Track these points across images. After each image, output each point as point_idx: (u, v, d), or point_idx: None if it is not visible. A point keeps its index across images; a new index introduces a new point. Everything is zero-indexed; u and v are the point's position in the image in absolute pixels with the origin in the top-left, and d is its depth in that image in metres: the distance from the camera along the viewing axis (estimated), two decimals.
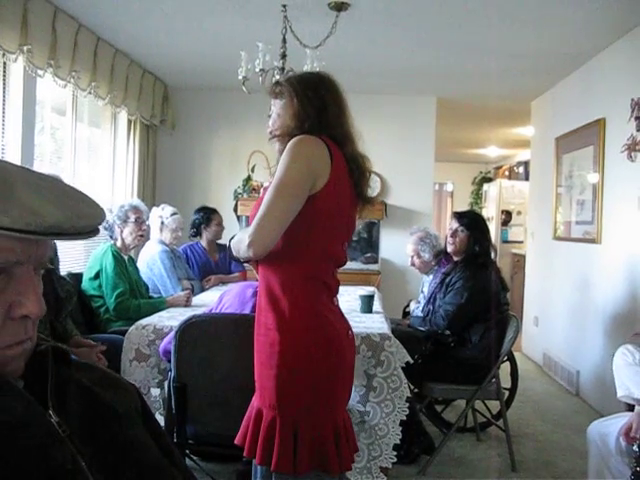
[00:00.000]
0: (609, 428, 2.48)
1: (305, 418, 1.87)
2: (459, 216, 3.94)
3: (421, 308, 4.16)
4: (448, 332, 3.70)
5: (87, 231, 0.79)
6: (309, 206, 1.83)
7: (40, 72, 3.93)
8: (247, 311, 2.56)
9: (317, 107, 1.93)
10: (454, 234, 3.85)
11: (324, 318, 1.91)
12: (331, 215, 1.89)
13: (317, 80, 2.00)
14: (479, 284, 3.67)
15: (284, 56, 3.97)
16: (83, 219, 0.78)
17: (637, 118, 4.11)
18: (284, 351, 1.87)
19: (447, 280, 3.82)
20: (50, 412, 0.79)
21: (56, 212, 0.74)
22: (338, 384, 1.95)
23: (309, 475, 1.87)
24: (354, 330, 2.84)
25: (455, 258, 3.92)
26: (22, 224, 0.70)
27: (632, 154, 4.17)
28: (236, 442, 1.98)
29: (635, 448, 2.22)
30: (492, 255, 3.84)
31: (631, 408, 2.53)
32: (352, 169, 1.94)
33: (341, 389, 1.97)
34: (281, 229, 1.80)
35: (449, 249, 3.93)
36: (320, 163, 1.84)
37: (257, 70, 3.90)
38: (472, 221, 3.89)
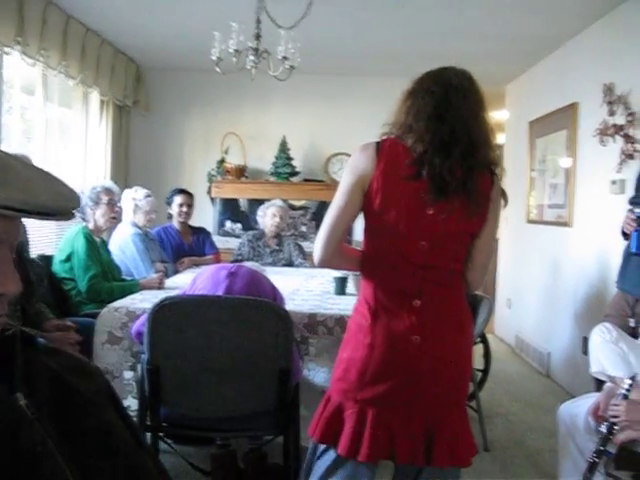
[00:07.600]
0: (578, 409, 2.51)
1: (337, 392, 1.92)
2: None
3: None
4: None
5: (67, 212, 0.80)
6: (365, 206, 1.87)
7: (7, 49, 3.84)
8: (220, 292, 2.54)
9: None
10: None
11: (372, 319, 1.88)
12: (385, 212, 1.82)
13: None
14: None
15: (258, 37, 3.93)
16: (64, 200, 0.79)
17: (609, 103, 4.14)
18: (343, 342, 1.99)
19: None
20: (18, 395, 0.78)
21: (44, 192, 0.75)
22: (377, 381, 1.86)
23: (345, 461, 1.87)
24: (328, 312, 2.94)
25: None
26: (17, 202, 0.70)
27: (604, 139, 4.20)
28: None
29: (602, 429, 2.25)
30: None
31: (599, 388, 2.58)
32: (420, 168, 1.81)
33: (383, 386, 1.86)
34: (334, 240, 1.87)
35: None
36: (363, 163, 1.85)
37: (231, 51, 3.86)
38: None
